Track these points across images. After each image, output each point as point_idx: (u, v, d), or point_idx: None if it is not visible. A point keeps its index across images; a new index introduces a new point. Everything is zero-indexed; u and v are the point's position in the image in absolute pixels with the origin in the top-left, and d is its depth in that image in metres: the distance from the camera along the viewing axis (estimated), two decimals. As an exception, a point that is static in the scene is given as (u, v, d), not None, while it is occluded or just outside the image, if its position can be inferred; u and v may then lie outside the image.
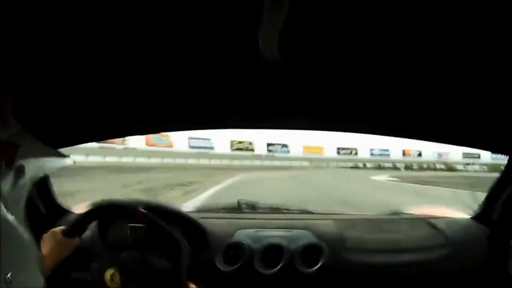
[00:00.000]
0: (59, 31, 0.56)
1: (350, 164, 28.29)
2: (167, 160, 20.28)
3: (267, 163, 24.74)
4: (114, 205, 0.93)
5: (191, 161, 22.20)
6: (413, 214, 1.35)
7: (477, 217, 1.14)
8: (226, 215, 1.28)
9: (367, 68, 0.70)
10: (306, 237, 1.05)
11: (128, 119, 0.96)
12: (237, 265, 0.99)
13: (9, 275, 0.46)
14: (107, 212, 0.93)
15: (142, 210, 0.90)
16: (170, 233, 0.89)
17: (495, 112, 0.81)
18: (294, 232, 1.08)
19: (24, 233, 0.50)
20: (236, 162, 23.85)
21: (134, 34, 0.59)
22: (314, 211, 1.33)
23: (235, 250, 1.02)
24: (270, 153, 27.89)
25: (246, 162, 24.49)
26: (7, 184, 0.49)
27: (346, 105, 0.89)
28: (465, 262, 1.03)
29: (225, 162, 23.58)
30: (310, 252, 1.01)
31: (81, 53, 0.62)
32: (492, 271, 1.00)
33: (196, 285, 0.88)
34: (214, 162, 23.19)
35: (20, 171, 0.49)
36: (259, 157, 26.68)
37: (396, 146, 30.68)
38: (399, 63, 0.68)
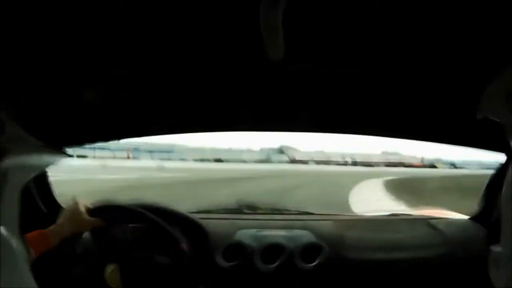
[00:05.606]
0: (59, 32, 0.55)
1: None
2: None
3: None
4: (114, 206, 0.92)
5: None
6: (412, 215, 1.36)
7: (475, 218, 1.14)
8: (226, 215, 1.28)
9: (374, 68, 0.70)
10: (306, 237, 1.05)
11: (134, 121, 0.97)
12: (237, 262, 0.99)
13: None
14: (108, 213, 0.92)
15: (142, 210, 0.90)
16: (170, 232, 0.88)
17: None
18: (295, 232, 1.08)
19: (15, 243, 0.46)
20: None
21: (137, 35, 0.59)
22: (314, 212, 1.34)
23: (235, 249, 1.01)
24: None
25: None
26: None
27: (352, 107, 0.89)
28: (463, 263, 1.03)
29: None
30: (310, 250, 1.01)
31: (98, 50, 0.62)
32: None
33: (197, 282, 0.87)
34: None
35: (3, 177, 0.44)
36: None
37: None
38: (406, 63, 0.68)
